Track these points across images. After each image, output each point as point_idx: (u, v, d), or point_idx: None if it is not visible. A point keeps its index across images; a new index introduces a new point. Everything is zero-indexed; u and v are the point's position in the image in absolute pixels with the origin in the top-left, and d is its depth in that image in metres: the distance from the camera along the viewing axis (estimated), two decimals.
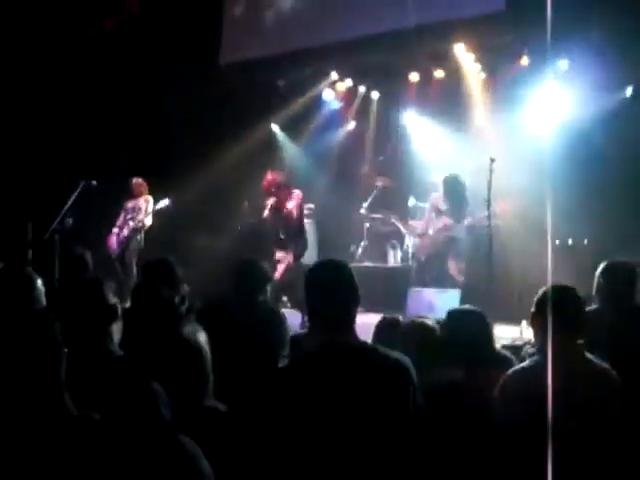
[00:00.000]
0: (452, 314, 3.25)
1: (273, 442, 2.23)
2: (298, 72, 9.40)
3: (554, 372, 2.23)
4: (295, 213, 7.11)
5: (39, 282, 3.32)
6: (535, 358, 2.80)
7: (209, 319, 3.56)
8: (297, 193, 7.20)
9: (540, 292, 2.89)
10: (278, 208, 7.08)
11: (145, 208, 8.26)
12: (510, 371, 2.80)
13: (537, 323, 2.86)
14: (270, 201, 7.08)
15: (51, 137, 9.25)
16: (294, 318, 6.08)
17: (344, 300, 2.35)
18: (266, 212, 7.06)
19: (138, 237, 8.23)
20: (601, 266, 3.73)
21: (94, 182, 8.03)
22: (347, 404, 2.20)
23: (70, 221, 7.79)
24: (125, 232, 8.24)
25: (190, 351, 2.58)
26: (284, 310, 5.69)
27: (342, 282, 2.37)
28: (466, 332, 3.10)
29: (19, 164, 9.15)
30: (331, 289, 2.35)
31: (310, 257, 7.64)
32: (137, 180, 8.41)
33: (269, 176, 7.14)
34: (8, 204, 8.93)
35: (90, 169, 8.15)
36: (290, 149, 10.07)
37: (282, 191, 7.09)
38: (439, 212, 7.71)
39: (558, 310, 2.67)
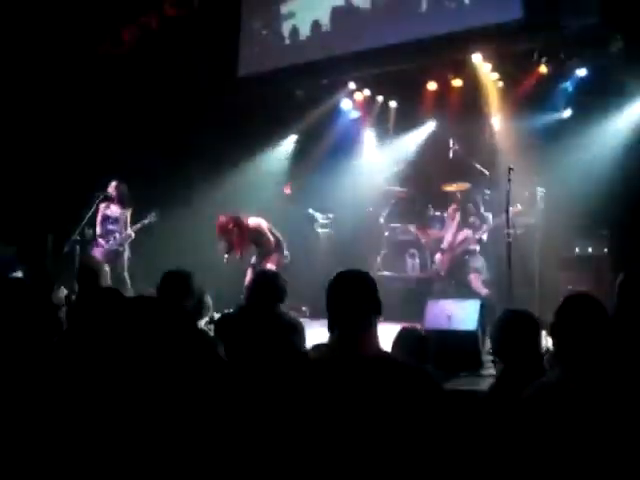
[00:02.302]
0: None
1: (278, 448, 2.23)
2: (316, 82, 9.41)
3: (576, 386, 2.19)
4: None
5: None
6: (555, 371, 2.75)
7: (226, 330, 3.57)
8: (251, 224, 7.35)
9: (561, 301, 2.85)
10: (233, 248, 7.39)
11: (127, 219, 8.10)
12: (531, 386, 2.75)
13: (557, 333, 2.82)
14: (223, 245, 7.42)
15: (71, 149, 9.34)
16: (317, 329, 6.03)
17: (365, 310, 2.35)
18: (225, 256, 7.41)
19: (126, 248, 8.08)
20: (621, 276, 3.68)
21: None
22: (364, 414, 2.17)
23: (90, 232, 7.85)
24: (112, 244, 8.04)
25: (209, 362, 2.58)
26: (305, 320, 5.66)
27: (363, 292, 2.38)
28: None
29: (40, 176, 9.25)
30: (352, 299, 2.35)
31: (326, 266, 7.62)
32: (120, 185, 8.18)
33: (220, 220, 7.32)
34: (29, 215, 9.03)
35: (108, 181, 8.21)
36: (307, 159, 10.07)
37: (232, 232, 7.31)
38: (459, 225, 7.74)
39: (578, 320, 2.63)
